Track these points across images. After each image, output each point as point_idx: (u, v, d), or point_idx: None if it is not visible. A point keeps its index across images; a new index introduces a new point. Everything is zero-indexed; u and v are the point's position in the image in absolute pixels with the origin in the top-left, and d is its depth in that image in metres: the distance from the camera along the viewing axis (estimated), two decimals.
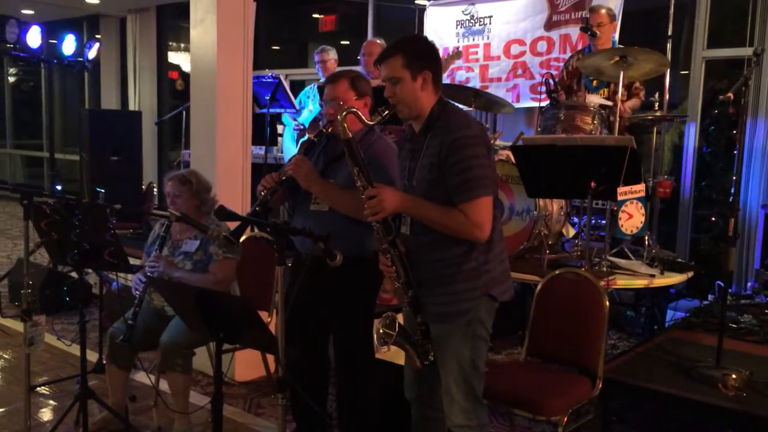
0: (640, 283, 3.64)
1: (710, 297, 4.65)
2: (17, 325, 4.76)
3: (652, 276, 3.68)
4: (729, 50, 5.33)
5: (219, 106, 3.97)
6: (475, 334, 2.37)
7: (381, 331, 2.38)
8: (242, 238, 3.51)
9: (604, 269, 3.62)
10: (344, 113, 2.30)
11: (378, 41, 5.29)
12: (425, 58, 2.34)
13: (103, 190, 3.19)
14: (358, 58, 5.30)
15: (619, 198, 3.08)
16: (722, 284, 4.45)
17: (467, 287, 2.33)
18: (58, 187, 5.42)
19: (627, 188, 3.07)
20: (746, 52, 5.01)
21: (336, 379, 3.07)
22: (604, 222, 4.18)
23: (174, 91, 10.03)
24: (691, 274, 3.95)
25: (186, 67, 9.74)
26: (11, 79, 13.49)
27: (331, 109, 2.86)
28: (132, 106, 9.74)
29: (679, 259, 4.14)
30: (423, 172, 2.33)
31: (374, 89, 2.97)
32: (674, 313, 4.56)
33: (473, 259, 2.32)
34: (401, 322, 2.40)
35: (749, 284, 4.86)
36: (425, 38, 2.43)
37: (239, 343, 2.34)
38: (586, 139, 3.57)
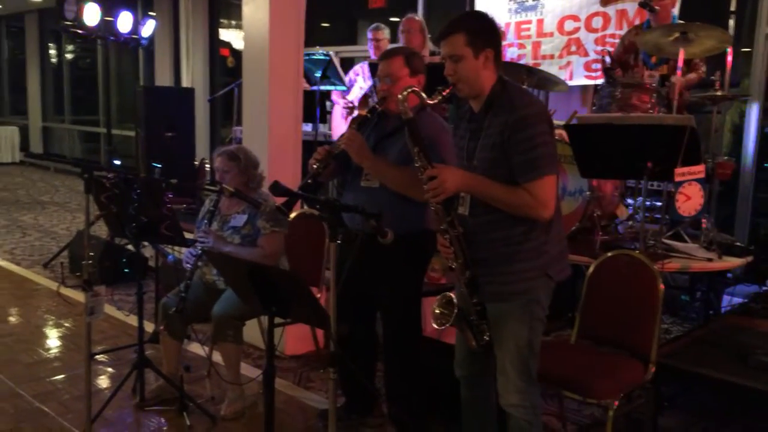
0: (696, 266, 3.55)
1: None
2: (78, 295, 4.94)
3: (710, 260, 3.58)
4: None
5: (271, 84, 3.99)
6: (533, 315, 2.36)
7: (438, 311, 2.38)
8: (291, 215, 3.55)
9: (659, 252, 3.53)
10: (406, 92, 2.28)
11: (416, 18, 5.22)
12: (487, 35, 2.31)
13: (159, 165, 3.25)
14: (398, 35, 5.25)
15: (677, 179, 3.00)
16: None
17: (527, 267, 2.32)
18: (117, 162, 5.56)
19: (686, 169, 2.98)
20: None
21: (384, 356, 3.10)
22: (659, 204, 4.08)
23: (225, 68, 10.14)
24: (750, 258, 3.82)
25: (237, 45, 9.82)
26: (69, 56, 13.85)
27: (385, 85, 2.86)
28: (185, 83, 9.88)
29: (738, 243, 4.00)
30: (485, 151, 2.31)
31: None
32: (731, 298, 4.43)
33: (533, 239, 2.30)
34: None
35: None
36: (487, 15, 2.38)
37: (291, 318, 2.37)
38: (643, 117, 3.47)
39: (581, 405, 3.42)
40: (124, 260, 4.89)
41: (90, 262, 2.66)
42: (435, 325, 2.39)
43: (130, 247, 5.26)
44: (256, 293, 2.29)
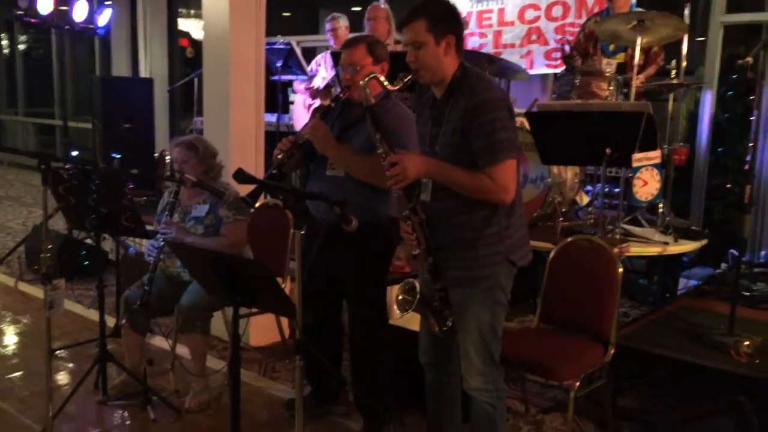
0: (653, 250, 3.64)
1: (723, 265, 4.65)
2: (35, 291, 4.84)
3: (666, 244, 3.67)
4: (749, 15, 5.23)
5: (232, 74, 3.96)
6: (495, 300, 2.40)
7: (400, 297, 2.40)
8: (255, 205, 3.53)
9: (618, 237, 3.61)
10: (367, 79, 2.28)
11: (382, 5, 5.22)
12: (449, 22, 2.32)
13: (119, 156, 3.20)
14: (364, 23, 5.24)
15: (634, 164, 3.07)
16: (736, 252, 4.47)
17: (488, 252, 2.35)
18: (74, 153, 5.44)
19: (642, 155, 3.05)
20: (766, 16, 4.93)
21: (350, 345, 3.12)
22: (618, 190, 4.16)
23: (185, 58, 9.98)
24: (705, 242, 3.93)
25: (196, 35, 9.67)
26: (22, 47, 13.46)
27: (348, 74, 2.85)
28: (143, 74, 9.69)
29: (693, 227, 4.11)
30: (446, 137, 2.32)
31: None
32: (687, 281, 4.55)
33: (495, 224, 2.33)
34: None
35: (763, 253, 4.84)
36: (448, 2, 2.39)
37: (257, 307, 2.36)
38: (601, 105, 3.53)
39: (543, 388, 3.48)
40: (84, 253, 4.80)
41: (48, 255, 2.60)
42: (398, 311, 2.40)
43: (89, 241, 5.20)
44: (220, 283, 2.28)
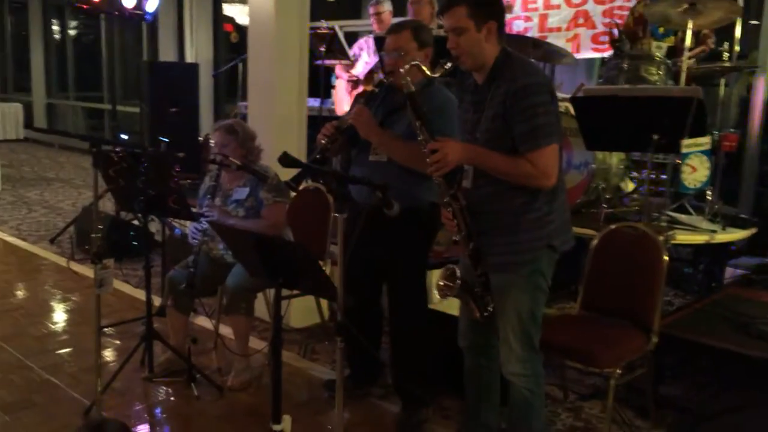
0: (700, 238, 3.56)
1: None
2: (85, 270, 4.99)
3: (714, 232, 3.59)
4: None
5: (276, 59, 3.99)
6: (535, 285, 2.39)
7: (441, 283, 2.40)
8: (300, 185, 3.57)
9: (664, 224, 3.54)
10: (407, 66, 2.28)
11: None
12: (490, 7, 2.30)
13: (167, 140, 3.26)
14: (407, 7, 5.21)
15: (683, 151, 3.00)
16: None
17: (530, 237, 2.34)
18: (124, 136, 5.57)
19: (692, 141, 2.98)
20: None
21: (390, 328, 3.14)
22: (664, 176, 4.07)
23: (229, 43, 10.09)
24: (754, 230, 3.83)
25: (240, 20, 9.75)
26: (72, 32, 13.78)
27: (392, 59, 2.85)
28: (189, 59, 9.85)
29: (742, 215, 4.01)
30: (487, 122, 2.31)
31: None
32: (734, 270, 4.45)
33: (536, 209, 2.32)
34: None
35: None
36: None
37: (298, 289, 2.39)
38: (649, 89, 3.46)
39: (583, 375, 3.46)
40: (132, 234, 4.92)
41: (99, 235, 2.68)
42: (438, 297, 2.41)
43: (135, 222, 5.34)
44: (263, 265, 2.31)
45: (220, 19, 10.06)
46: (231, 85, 9.35)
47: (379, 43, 4.75)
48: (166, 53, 10.38)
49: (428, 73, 2.36)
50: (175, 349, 3.42)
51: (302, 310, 4.04)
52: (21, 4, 14.43)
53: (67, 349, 3.81)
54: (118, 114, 6.90)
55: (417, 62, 2.33)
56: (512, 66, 2.29)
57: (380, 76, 4.86)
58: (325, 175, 2.33)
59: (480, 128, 2.34)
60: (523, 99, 2.21)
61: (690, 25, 3.67)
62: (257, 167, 3.34)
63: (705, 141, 3.04)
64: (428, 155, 2.25)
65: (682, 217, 3.71)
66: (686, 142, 2.98)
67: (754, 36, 5.38)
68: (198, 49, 9.93)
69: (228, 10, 10.18)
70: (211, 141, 6.90)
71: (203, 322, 4.05)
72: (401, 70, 2.30)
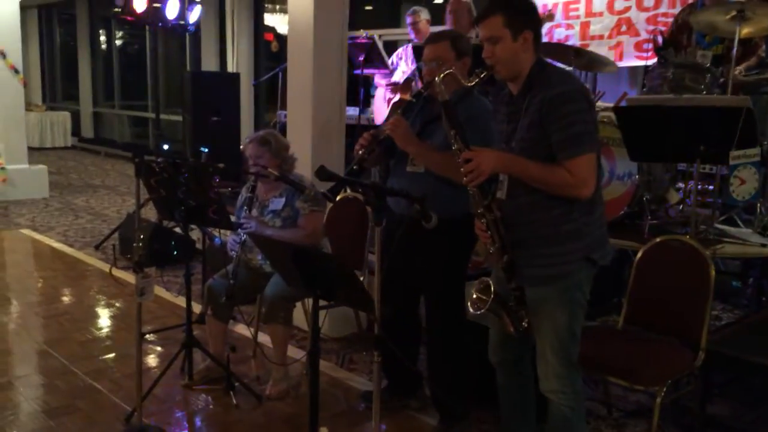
0: (750, 252, 3.44)
1: None
2: (128, 276, 5.07)
3: (764, 246, 3.47)
4: None
5: (315, 68, 4.01)
6: (573, 300, 2.34)
7: (475, 296, 2.37)
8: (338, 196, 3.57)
9: (712, 237, 3.44)
10: (442, 75, 2.26)
11: None
12: (526, 17, 2.28)
13: (206, 150, 3.30)
14: (446, 16, 5.19)
15: (732, 162, 2.91)
16: None
17: (567, 249, 2.29)
18: (165, 146, 5.67)
19: (740, 152, 2.89)
20: None
21: (427, 340, 3.11)
22: (711, 188, 3.96)
23: (270, 52, 10.21)
24: None
25: (281, 29, 9.87)
26: (118, 43, 14.13)
27: (431, 69, 2.83)
28: (230, 68, 9.99)
29: None
30: (523, 131, 2.28)
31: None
32: None
33: (573, 220, 2.27)
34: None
35: None
36: None
37: (335, 300, 2.38)
38: (696, 99, 3.36)
39: (627, 391, 3.37)
40: (173, 243, 4.99)
41: (140, 244, 2.71)
42: (472, 310, 2.37)
43: (178, 229, 5.41)
44: (300, 276, 2.31)
45: (261, 29, 10.19)
46: (271, 95, 9.45)
47: (418, 52, 4.75)
48: (209, 63, 10.56)
49: (463, 82, 2.34)
50: (214, 357, 3.45)
51: (340, 320, 4.04)
52: (70, 15, 14.85)
53: (111, 355, 3.88)
54: (161, 123, 7.02)
55: (451, 71, 2.31)
56: (548, 75, 2.27)
57: (418, 86, 4.85)
58: (362, 187, 2.32)
59: (516, 137, 2.31)
60: (560, 106, 2.18)
61: (738, 32, 3.56)
62: (293, 177, 3.35)
63: (754, 152, 2.94)
64: (462, 164, 2.22)
65: (731, 229, 3.59)
66: (735, 153, 2.88)
67: None
68: (239, 59, 10.06)
69: (269, 19, 10.31)
70: (246, 153, 7.03)
71: (242, 330, 4.08)
72: (436, 78, 2.29)
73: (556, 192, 2.24)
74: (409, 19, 5.52)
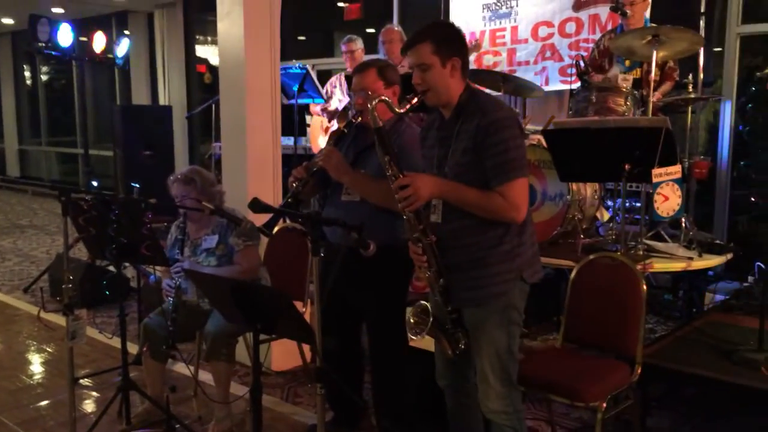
0: (678, 266, 3.58)
1: (750, 279, 4.55)
2: (59, 319, 4.87)
3: (691, 259, 3.61)
4: (766, 25, 5.17)
5: (248, 99, 3.98)
6: (509, 320, 2.37)
7: (412, 320, 2.38)
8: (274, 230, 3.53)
9: (641, 253, 3.56)
10: (375, 102, 2.29)
11: (396, 28, 5.26)
12: (454, 44, 2.33)
13: (137, 185, 3.23)
14: (379, 46, 5.27)
15: (655, 180, 3.03)
16: (762, 265, 4.39)
17: (502, 269, 2.33)
18: (94, 183, 5.51)
19: (662, 170, 3.02)
20: None
21: (371, 368, 3.09)
22: (638, 204, 4.11)
23: (203, 84, 10.11)
24: (730, 256, 3.86)
25: (214, 61, 9.80)
26: (44, 78, 13.73)
27: (360, 99, 2.86)
28: (162, 101, 9.84)
29: (718, 241, 4.04)
30: (456, 157, 2.32)
31: (401, 77, 2.96)
32: (713, 296, 4.46)
33: (507, 242, 2.32)
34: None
35: None
36: (453, 24, 2.43)
37: (276, 334, 2.35)
38: (619, 120, 3.50)
39: (569, 408, 3.42)
40: (105, 282, 4.84)
41: (70, 285, 2.62)
42: (410, 335, 2.38)
43: (111, 267, 5.25)
44: (240, 311, 2.28)
45: (193, 61, 10.08)
46: (205, 127, 9.34)
47: (350, 81, 4.79)
48: (139, 96, 10.36)
49: (396, 109, 2.37)
50: (152, 398, 3.33)
51: (283, 353, 3.98)
52: None
53: (43, 403, 3.70)
54: (91, 158, 6.85)
55: (384, 98, 2.34)
56: (480, 101, 2.32)
57: (352, 114, 4.89)
58: (297, 218, 2.31)
59: (449, 163, 2.35)
60: (494, 134, 2.23)
61: (654, 56, 3.73)
62: (227, 210, 3.30)
63: (675, 170, 3.07)
64: (397, 191, 2.24)
65: (659, 245, 3.73)
66: (657, 171, 3.01)
67: (718, 63, 5.50)
68: (171, 91, 9.92)
69: (201, 51, 10.23)
70: (171, 192, 6.89)
71: (181, 369, 3.97)
72: (368, 105, 2.31)
73: (491, 216, 2.28)
74: (344, 48, 5.56)
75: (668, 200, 3.09)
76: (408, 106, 2.32)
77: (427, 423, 3.09)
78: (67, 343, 2.67)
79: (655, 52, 3.74)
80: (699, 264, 3.67)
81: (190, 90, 10.03)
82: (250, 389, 2.30)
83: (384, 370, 3.01)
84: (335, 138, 2.91)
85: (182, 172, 3.37)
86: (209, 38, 10.15)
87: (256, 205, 2.16)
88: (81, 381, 3.72)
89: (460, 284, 2.35)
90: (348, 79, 4.96)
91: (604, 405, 2.66)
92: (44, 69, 13.66)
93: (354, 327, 3.13)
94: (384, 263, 2.67)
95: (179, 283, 3.18)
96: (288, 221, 3.85)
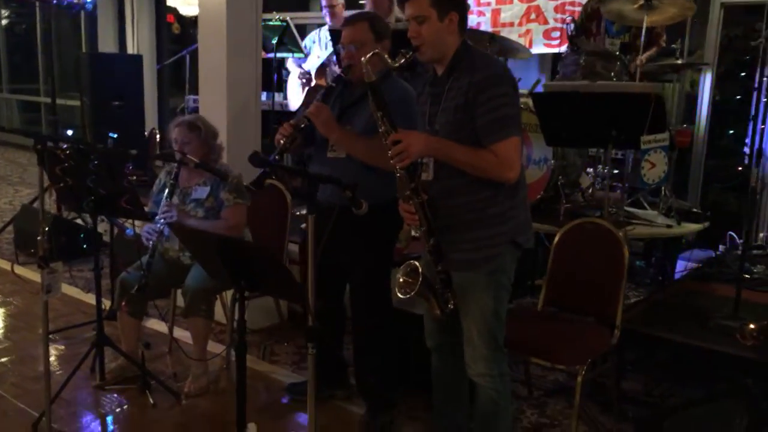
0: (657, 232, 3.62)
1: (721, 247, 4.64)
2: (28, 273, 4.73)
3: (669, 226, 3.65)
4: None
5: (229, 50, 3.85)
6: (498, 284, 2.36)
7: (401, 279, 2.35)
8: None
9: (621, 219, 3.58)
10: (369, 55, 2.21)
11: None
12: None
13: (115, 136, 3.11)
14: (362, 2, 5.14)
15: (643, 147, 3.03)
16: (734, 235, 4.47)
17: (493, 233, 2.30)
18: (69, 132, 5.32)
19: (651, 137, 3.01)
20: None
21: (353, 328, 3.07)
22: (617, 172, 4.12)
23: (172, 34, 9.78)
24: (707, 224, 3.91)
25: (183, 10, 9.47)
26: (4, 22, 13.16)
27: (350, 52, 2.77)
28: (130, 50, 9.49)
29: (695, 209, 4.08)
30: (447, 114, 2.27)
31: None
32: (686, 263, 4.54)
33: (498, 204, 2.29)
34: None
35: (762, 235, 4.83)
36: None
37: (261, 291, 2.30)
38: (609, 85, 3.48)
39: (546, 370, 3.47)
40: (82, 236, 4.71)
41: (45, 237, 2.52)
42: (399, 295, 2.35)
43: (79, 221, 5.11)
44: (225, 268, 2.22)
45: (163, 9, 9.71)
46: (175, 79, 9.08)
47: (335, 36, 4.66)
48: (106, 44, 9.96)
49: (390, 62, 2.29)
50: (127, 355, 3.27)
51: (260, 311, 3.93)
52: None
53: (10, 357, 3.61)
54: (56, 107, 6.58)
55: (377, 51, 2.26)
56: (473, 58, 2.26)
57: (336, 70, 4.78)
58: (296, 174, 2.25)
59: (439, 120, 2.30)
60: (487, 90, 2.18)
61: (645, 21, 3.70)
62: (219, 166, 3.22)
63: (664, 137, 3.07)
64: (390, 147, 2.19)
65: (638, 212, 3.76)
66: (646, 138, 3.00)
67: (699, 32, 5.50)
68: (140, 40, 9.57)
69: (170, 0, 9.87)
70: (157, 135, 6.72)
71: (155, 325, 3.90)
72: (362, 59, 2.22)
73: (482, 175, 2.23)
74: (324, 2, 5.39)
75: (655, 167, 3.10)
76: (402, 61, 2.25)
77: (409, 384, 3.10)
78: (42, 297, 2.58)
79: (646, 17, 3.70)
80: (678, 231, 3.72)
81: (159, 40, 9.70)
82: (235, 346, 2.25)
83: (366, 330, 2.98)
84: (323, 93, 2.82)
85: (188, 118, 3.29)
86: None
87: (256, 160, 2.08)
88: (51, 336, 3.64)
89: (450, 246, 2.31)
90: (333, 32, 4.82)
91: (584, 368, 2.70)
92: (4, 13, 13.08)
93: (337, 287, 3.10)
94: (369, 223, 2.61)
95: (162, 228, 3.10)
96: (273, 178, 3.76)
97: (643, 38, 3.73)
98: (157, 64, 9.04)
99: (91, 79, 6.51)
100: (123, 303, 3.25)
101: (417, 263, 2.31)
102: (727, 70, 5.30)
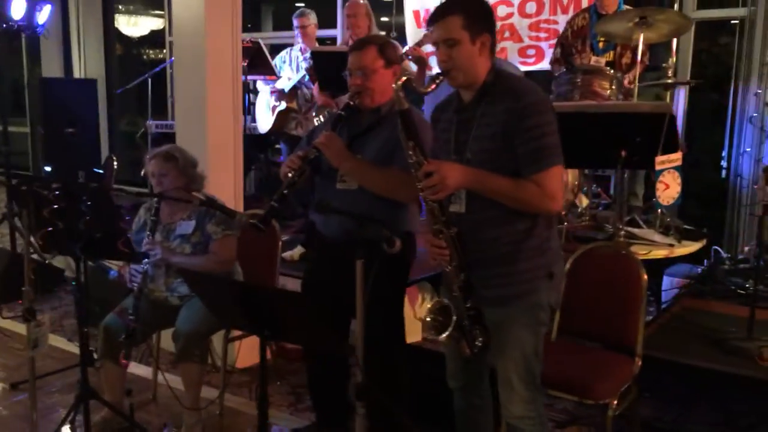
0: (660, 253, 3.56)
1: (705, 262, 4.63)
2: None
3: (671, 245, 3.60)
4: (721, 11, 5.25)
5: (209, 74, 3.64)
6: (537, 319, 2.22)
7: (429, 318, 2.20)
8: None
9: (621, 240, 3.51)
10: (401, 81, 2.07)
11: (361, 1, 4.96)
12: (485, 19, 2.14)
13: (49, 168, 2.86)
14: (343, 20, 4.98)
15: (658, 168, 2.96)
16: (720, 250, 4.47)
17: (530, 266, 2.17)
18: (47, 168, 4.97)
19: (665, 157, 2.95)
20: (737, 12, 4.95)
21: (365, 368, 2.87)
22: (608, 191, 4.08)
23: (120, 57, 9.41)
24: (704, 242, 3.89)
25: (126, 31, 9.15)
26: None
27: (358, 79, 2.63)
28: (77, 74, 9.07)
29: (687, 227, 4.05)
30: (481, 142, 2.13)
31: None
32: (672, 279, 4.50)
33: (536, 236, 2.16)
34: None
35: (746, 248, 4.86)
36: None
37: (288, 341, 2.11)
38: (618, 105, 3.41)
39: (552, 399, 3.34)
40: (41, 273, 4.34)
41: (30, 288, 2.26)
42: (428, 336, 2.20)
43: (35, 256, 4.74)
44: (243, 315, 2.02)
45: (111, 31, 9.35)
46: (128, 103, 8.74)
47: (318, 58, 4.50)
48: (50, 69, 9.50)
49: (420, 89, 2.18)
50: (114, 406, 3.01)
51: (245, 347, 3.68)
52: None
53: None
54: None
55: (410, 77, 2.13)
56: (510, 83, 2.15)
57: (302, 92, 4.58)
58: (329, 212, 2.09)
59: (471, 148, 2.16)
60: (529, 117, 2.06)
61: (641, 38, 3.66)
62: (219, 201, 3.01)
63: (677, 157, 3.02)
64: (422, 178, 2.04)
65: (636, 231, 3.70)
66: (660, 158, 2.94)
67: (668, 48, 5.55)
68: (87, 64, 9.17)
69: (117, 20, 9.49)
70: (115, 163, 6.36)
71: (135, 369, 3.62)
72: (393, 86, 2.10)
73: (523, 207, 2.11)
74: (296, 23, 5.20)
75: (669, 188, 3.04)
76: (433, 86, 2.11)
77: (424, 424, 2.93)
78: (29, 352, 2.30)
79: (642, 35, 3.66)
80: (680, 250, 3.67)
81: (109, 63, 9.30)
82: (257, 401, 2.06)
83: (377, 369, 2.80)
84: (332, 122, 2.67)
85: (163, 148, 3.07)
86: (131, 7, 9.46)
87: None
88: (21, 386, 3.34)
89: (484, 282, 2.17)
90: (315, 54, 4.64)
91: (615, 402, 2.59)
92: None
93: (345, 323, 2.91)
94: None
95: (146, 269, 2.88)
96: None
97: (639, 56, 3.69)
98: (106, 87, 8.66)
99: (43, 105, 6.17)
100: (103, 349, 2.99)
101: (447, 302, 2.17)
102: (698, 86, 5.36)
